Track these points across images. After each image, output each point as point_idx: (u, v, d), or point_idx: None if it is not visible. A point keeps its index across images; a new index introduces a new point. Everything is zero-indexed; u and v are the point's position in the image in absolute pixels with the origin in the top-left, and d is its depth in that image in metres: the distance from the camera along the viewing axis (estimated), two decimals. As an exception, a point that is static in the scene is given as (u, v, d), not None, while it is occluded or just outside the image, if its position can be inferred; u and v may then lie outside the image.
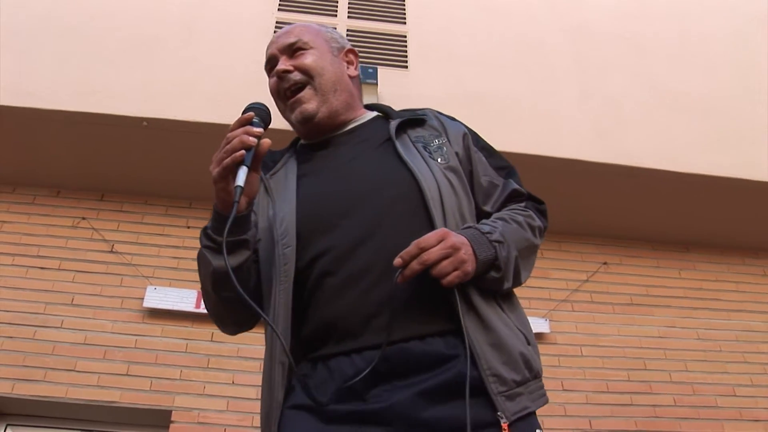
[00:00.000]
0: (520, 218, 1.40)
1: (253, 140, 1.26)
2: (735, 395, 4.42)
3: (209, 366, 3.97)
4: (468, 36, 4.84)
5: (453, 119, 1.58)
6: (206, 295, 1.42)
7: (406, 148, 1.43)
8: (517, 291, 4.92)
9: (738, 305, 4.82)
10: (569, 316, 4.53)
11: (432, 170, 1.38)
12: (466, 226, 1.33)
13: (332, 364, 1.27)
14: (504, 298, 1.37)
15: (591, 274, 4.71)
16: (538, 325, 4.35)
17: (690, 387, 4.39)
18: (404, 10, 4.93)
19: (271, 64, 1.58)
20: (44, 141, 4.20)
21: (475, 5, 5.02)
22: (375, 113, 1.63)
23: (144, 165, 4.34)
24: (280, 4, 4.80)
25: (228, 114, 4.09)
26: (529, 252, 1.40)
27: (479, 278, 1.28)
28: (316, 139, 1.56)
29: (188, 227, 4.43)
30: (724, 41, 5.08)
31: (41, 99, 4.02)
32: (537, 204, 1.49)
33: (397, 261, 1.20)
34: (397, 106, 4.62)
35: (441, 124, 1.53)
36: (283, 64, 1.53)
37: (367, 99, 4.05)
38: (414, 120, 1.52)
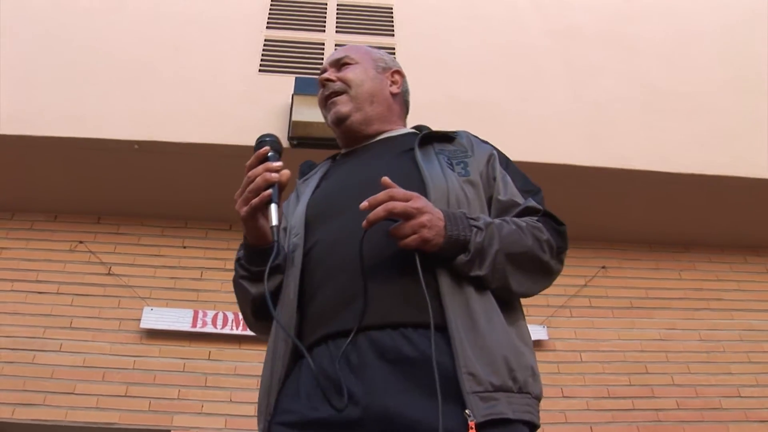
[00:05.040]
0: (523, 224, 1.37)
1: (276, 176, 1.31)
2: (740, 396, 4.36)
3: (207, 384, 4.00)
4: (456, 45, 4.85)
5: (485, 141, 1.61)
6: (246, 318, 1.51)
7: (426, 158, 1.47)
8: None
9: (741, 304, 4.76)
10: (568, 322, 4.50)
11: (447, 179, 1.40)
12: (458, 210, 1.33)
13: (314, 353, 1.27)
14: (506, 306, 1.33)
15: (589, 279, 4.69)
16: (535, 332, 4.33)
17: (693, 389, 4.34)
18: (392, 22, 4.95)
19: (320, 76, 1.70)
20: (40, 167, 4.25)
21: (462, 14, 5.04)
22: (411, 129, 1.70)
23: (139, 187, 4.39)
24: (268, 23, 4.85)
25: (219, 134, 4.14)
26: (526, 260, 1.35)
27: (449, 259, 1.25)
28: (350, 147, 1.66)
29: (184, 247, 4.47)
30: (713, 39, 5.05)
31: (35, 126, 4.07)
32: (555, 224, 1.44)
33: (364, 204, 1.21)
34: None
35: (470, 143, 1.56)
36: (328, 74, 1.66)
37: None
38: (443, 136, 1.57)
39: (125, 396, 3.90)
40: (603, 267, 4.76)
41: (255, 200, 1.30)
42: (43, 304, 4.19)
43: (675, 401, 4.27)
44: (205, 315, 4.15)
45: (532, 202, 1.46)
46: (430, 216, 1.23)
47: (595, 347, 4.42)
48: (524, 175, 1.55)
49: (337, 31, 4.85)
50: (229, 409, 3.91)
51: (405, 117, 1.76)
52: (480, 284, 1.29)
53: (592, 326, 4.51)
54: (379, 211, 1.20)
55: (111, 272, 4.33)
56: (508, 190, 1.47)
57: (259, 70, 4.53)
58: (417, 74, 4.65)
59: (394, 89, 1.71)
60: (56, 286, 4.27)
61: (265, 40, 4.71)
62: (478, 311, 1.25)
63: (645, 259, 4.87)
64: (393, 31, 4.90)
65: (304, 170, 1.69)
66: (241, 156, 4.31)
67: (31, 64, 4.32)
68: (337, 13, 4.98)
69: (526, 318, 4.42)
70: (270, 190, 1.30)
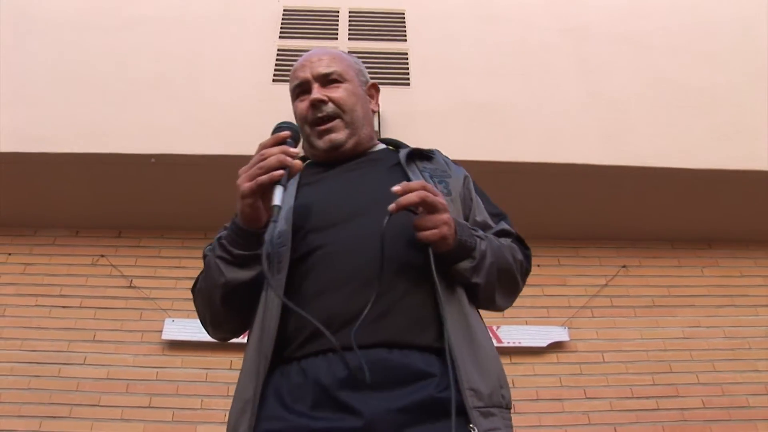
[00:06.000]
0: (505, 243, 1.46)
1: (291, 161, 1.26)
2: (767, 394, 4.29)
3: (230, 394, 3.99)
4: (469, 47, 4.84)
5: (456, 163, 1.65)
6: (208, 302, 1.42)
7: (413, 173, 1.49)
8: (536, 301, 4.85)
9: (766, 300, 4.69)
10: (589, 323, 4.46)
11: None
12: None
13: (305, 364, 1.24)
14: (479, 317, 1.40)
15: (610, 279, 4.65)
16: (557, 333, 4.31)
17: (719, 388, 4.28)
18: (404, 27, 4.95)
19: (302, 87, 1.60)
20: (60, 184, 4.32)
21: (474, 15, 5.02)
22: (385, 146, 1.70)
23: (158, 200, 4.43)
24: (281, 32, 4.87)
25: (233, 145, 4.17)
26: (507, 276, 1.43)
27: (452, 263, 1.30)
28: (330, 161, 1.59)
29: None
30: (728, 31, 4.96)
31: (52, 143, 4.13)
32: (522, 248, 1.53)
33: (397, 188, 1.24)
34: (400, 124, 4.62)
35: (446, 163, 1.61)
36: (318, 93, 1.56)
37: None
38: (423, 154, 1.60)
39: (149, 407, 3.95)
40: (624, 266, 4.72)
41: (264, 176, 1.24)
42: (66, 318, 4.25)
43: (701, 400, 4.21)
44: (225, 325, 4.17)
45: (505, 225, 1.56)
46: (449, 216, 1.28)
47: (617, 347, 4.38)
48: (490, 200, 1.63)
49: (349, 38, 4.86)
50: (252, 417, 3.92)
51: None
52: (470, 295, 1.35)
53: (614, 326, 4.47)
54: (413, 196, 1.23)
55: (132, 285, 4.38)
56: (482, 213, 1.55)
57: (273, 80, 4.55)
58: (430, 78, 4.68)
59: (374, 106, 1.69)
60: (79, 300, 4.33)
61: (278, 50, 4.74)
62: (474, 326, 1.31)
63: (666, 256, 4.81)
64: (405, 36, 4.89)
65: None
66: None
67: (44, 81, 4.39)
68: (349, 20, 4.99)
69: (548, 319, 4.47)
70: (282, 171, 1.25)
